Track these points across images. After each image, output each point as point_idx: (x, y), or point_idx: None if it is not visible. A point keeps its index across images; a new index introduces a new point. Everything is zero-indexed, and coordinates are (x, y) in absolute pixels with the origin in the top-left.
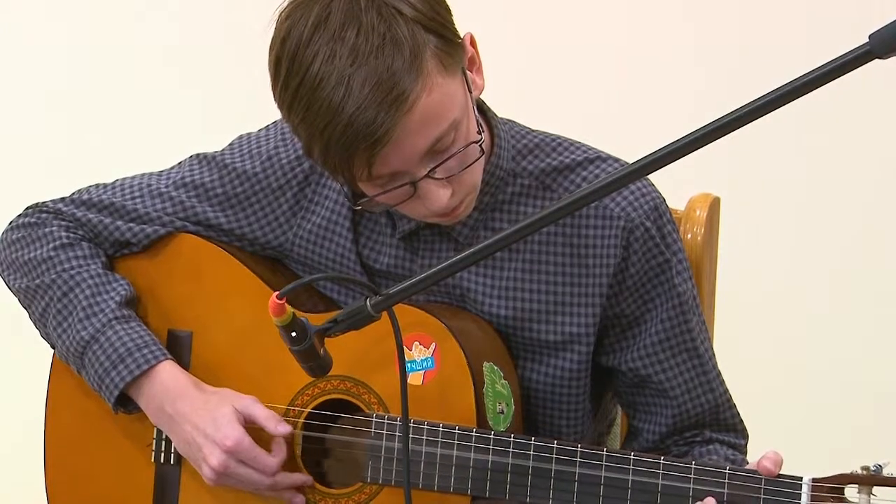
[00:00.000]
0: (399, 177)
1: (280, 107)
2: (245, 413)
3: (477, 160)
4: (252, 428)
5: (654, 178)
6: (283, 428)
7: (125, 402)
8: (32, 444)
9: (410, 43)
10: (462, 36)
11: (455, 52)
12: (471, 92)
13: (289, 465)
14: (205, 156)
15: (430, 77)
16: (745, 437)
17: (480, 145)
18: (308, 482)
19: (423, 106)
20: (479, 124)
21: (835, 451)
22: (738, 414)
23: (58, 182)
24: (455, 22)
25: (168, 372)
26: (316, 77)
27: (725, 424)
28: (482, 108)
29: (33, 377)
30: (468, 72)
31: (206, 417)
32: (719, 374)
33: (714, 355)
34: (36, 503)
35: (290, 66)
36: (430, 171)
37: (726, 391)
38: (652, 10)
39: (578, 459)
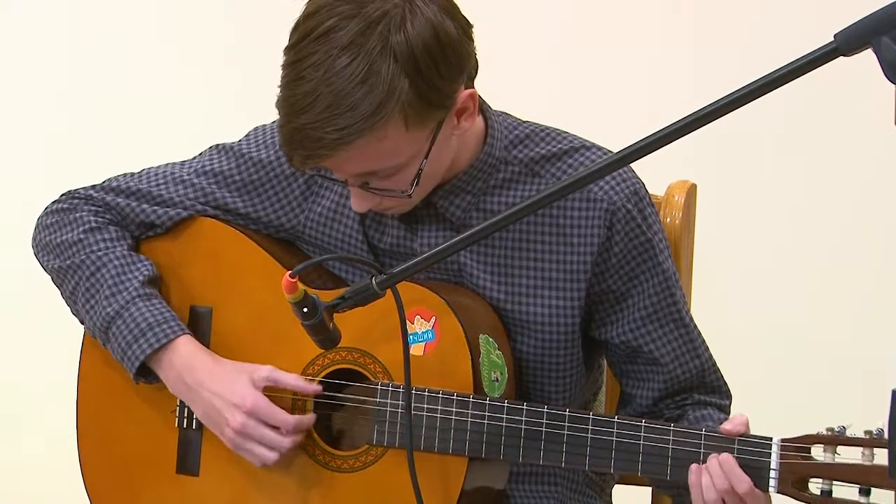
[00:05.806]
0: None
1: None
2: (271, 380)
3: (398, 201)
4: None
5: (638, 166)
6: (314, 386)
7: (146, 374)
8: (64, 414)
9: (385, 90)
10: (457, 97)
11: (427, 113)
12: (433, 145)
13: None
14: (223, 146)
15: (386, 129)
16: (729, 397)
17: (408, 195)
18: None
19: (364, 145)
20: (421, 168)
21: (801, 412)
22: (722, 377)
23: (91, 172)
24: (454, 89)
25: (185, 346)
26: (300, 74)
27: (711, 387)
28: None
29: (64, 353)
30: (456, 118)
31: (223, 384)
32: (703, 341)
33: (696, 325)
34: (69, 465)
35: (290, 53)
36: (360, 184)
37: (711, 356)
38: (631, 10)
39: (567, 423)
